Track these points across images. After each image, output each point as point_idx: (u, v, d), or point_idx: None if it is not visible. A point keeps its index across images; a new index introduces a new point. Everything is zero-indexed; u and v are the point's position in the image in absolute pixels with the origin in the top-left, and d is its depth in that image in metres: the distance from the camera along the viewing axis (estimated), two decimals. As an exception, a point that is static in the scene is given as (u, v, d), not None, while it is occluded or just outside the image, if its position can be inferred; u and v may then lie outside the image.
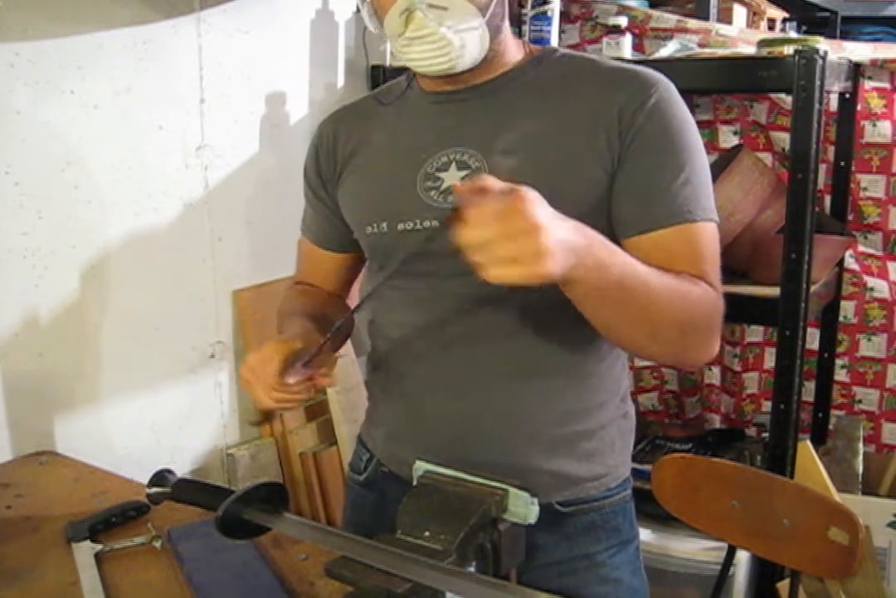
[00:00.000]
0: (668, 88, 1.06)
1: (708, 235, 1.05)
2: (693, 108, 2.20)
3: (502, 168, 1.03)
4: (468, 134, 1.09)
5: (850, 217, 2.23)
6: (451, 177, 1.08)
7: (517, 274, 0.77)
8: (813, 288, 1.88)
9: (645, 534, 1.69)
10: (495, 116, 1.09)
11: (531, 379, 1.10)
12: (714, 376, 2.50)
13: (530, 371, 1.10)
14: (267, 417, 1.15)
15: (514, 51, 1.13)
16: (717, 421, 2.51)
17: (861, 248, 2.24)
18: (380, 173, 1.15)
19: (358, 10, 1.14)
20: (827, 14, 3.20)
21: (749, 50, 1.99)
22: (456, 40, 1.02)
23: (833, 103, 2.15)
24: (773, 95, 2.22)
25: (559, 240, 0.79)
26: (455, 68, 1.05)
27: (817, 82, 1.72)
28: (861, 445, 2.18)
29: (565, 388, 1.12)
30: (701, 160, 1.06)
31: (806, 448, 1.88)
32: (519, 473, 1.08)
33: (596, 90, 1.06)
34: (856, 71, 2.10)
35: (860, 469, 2.12)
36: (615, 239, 1.06)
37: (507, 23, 1.11)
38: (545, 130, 1.06)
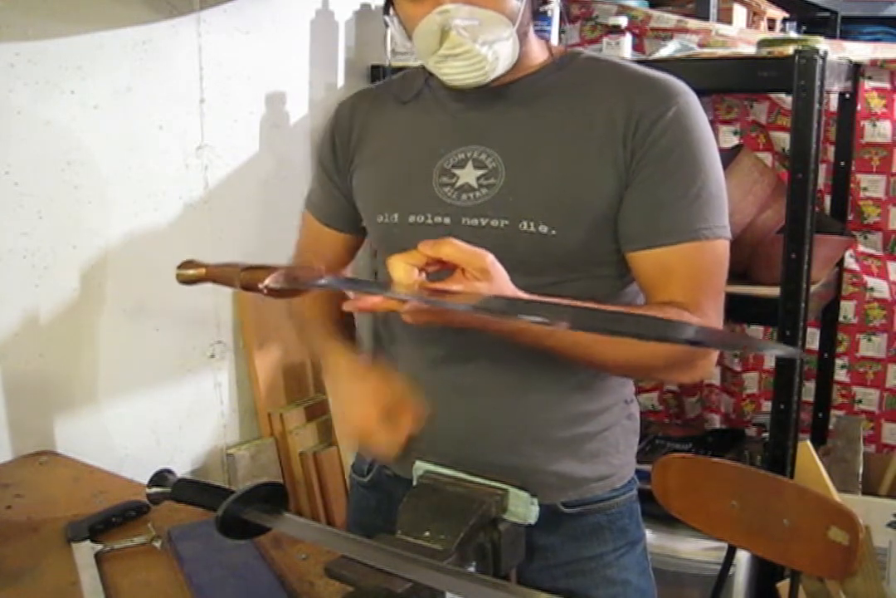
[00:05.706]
0: (688, 101, 1.04)
1: (714, 254, 1.04)
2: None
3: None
4: (488, 133, 1.08)
5: (850, 217, 2.23)
6: (467, 174, 1.07)
7: None
8: (813, 288, 1.87)
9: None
10: (516, 118, 1.08)
11: (539, 383, 1.10)
12: (714, 376, 2.50)
13: (538, 375, 1.10)
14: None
15: (537, 51, 1.11)
16: (717, 421, 2.51)
17: (861, 248, 2.24)
18: (395, 164, 1.14)
19: (386, 25, 1.12)
20: (827, 14, 3.19)
21: (749, 50, 1.99)
22: (490, 54, 1.01)
23: (833, 103, 2.14)
24: (773, 95, 2.22)
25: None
26: (487, 79, 1.04)
27: (817, 82, 1.72)
28: (861, 445, 2.18)
29: (572, 392, 1.12)
30: (715, 175, 1.04)
31: (806, 448, 1.88)
32: (523, 474, 1.08)
33: (616, 97, 1.05)
34: (856, 71, 2.10)
35: (860, 469, 2.12)
36: (621, 252, 1.06)
37: (531, 25, 1.09)
38: (564, 136, 1.06)
